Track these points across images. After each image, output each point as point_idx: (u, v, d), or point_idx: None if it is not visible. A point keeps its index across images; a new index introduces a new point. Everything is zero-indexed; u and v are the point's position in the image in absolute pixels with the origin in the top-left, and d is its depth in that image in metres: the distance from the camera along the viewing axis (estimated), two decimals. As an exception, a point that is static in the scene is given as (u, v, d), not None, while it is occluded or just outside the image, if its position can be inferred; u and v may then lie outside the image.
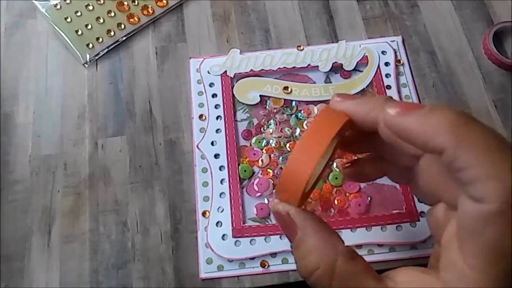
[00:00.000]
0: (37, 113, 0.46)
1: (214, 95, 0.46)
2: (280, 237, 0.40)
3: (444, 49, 0.48)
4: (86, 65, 0.48)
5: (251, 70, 0.47)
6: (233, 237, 0.40)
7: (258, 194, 0.42)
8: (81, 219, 0.41)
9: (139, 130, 0.45)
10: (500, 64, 0.46)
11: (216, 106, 0.45)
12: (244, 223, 0.41)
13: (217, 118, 0.45)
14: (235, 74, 0.47)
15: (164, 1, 0.50)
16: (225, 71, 0.47)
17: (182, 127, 0.45)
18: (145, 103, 0.46)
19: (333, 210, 0.41)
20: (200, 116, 0.45)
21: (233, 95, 0.46)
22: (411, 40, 0.49)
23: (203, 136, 0.44)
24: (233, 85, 0.46)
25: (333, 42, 0.49)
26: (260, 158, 0.43)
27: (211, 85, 0.46)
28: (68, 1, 0.50)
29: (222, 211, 0.41)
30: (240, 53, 0.48)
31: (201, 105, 0.46)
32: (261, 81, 0.47)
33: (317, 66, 0.47)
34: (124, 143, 0.44)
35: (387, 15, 0.50)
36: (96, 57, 0.48)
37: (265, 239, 0.40)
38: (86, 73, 0.48)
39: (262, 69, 0.47)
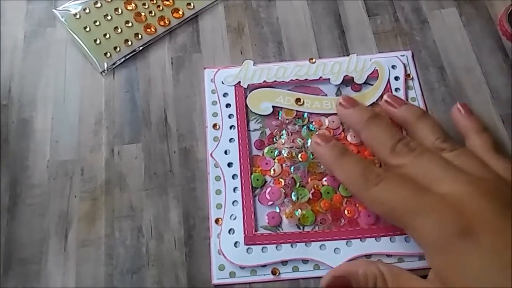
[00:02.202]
0: (55, 119, 0.47)
1: (228, 105, 0.47)
2: (291, 246, 0.41)
3: (452, 64, 0.49)
4: (104, 74, 0.49)
5: (264, 81, 0.48)
6: (245, 244, 0.41)
7: (270, 202, 0.43)
8: (97, 224, 0.42)
9: (154, 138, 0.46)
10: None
11: (230, 116, 0.46)
12: (256, 231, 0.41)
13: (230, 127, 0.46)
14: (248, 85, 0.48)
15: (180, 13, 0.52)
16: (239, 82, 0.48)
17: (196, 135, 0.46)
18: (160, 112, 0.47)
19: (343, 220, 0.42)
20: (214, 125, 0.46)
21: (246, 105, 0.47)
22: (420, 55, 0.50)
23: (217, 145, 0.45)
24: (247, 96, 0.47)
25: (344, 56, 0.50)
26: (272, 168, 0.44)
27: (225, 95, 0.48)
28: (87, 11, 0.51)
29: (234, 219, 0.42)
30: (253, 65, 0.49)
31: (215, 114, 0.47)
32: (274, 92, 0.48)
33: (329, 79, 0.48)
34: (139, 151, 0.45)
35: (398, 30, 0.51)
36: (113, 66, 0.49)
37: (276, 247, 0.41)
38: (103, 81, 0.49)
39: (275, 81, 0.48)
